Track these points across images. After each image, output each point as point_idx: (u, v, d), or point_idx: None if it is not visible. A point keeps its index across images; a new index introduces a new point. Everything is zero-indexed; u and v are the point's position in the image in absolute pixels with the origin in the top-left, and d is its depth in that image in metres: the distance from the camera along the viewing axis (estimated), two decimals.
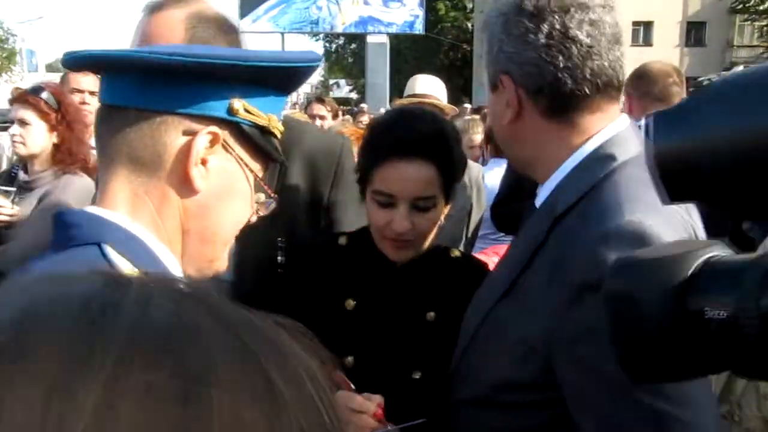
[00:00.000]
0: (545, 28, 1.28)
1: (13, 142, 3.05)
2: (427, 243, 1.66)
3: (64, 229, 0.96)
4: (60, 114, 3.07)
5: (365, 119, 6.28)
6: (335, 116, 7.48)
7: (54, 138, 3.06)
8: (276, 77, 1.04)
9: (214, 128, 1.00)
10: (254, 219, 1.13)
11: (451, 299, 1.66)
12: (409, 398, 1.57)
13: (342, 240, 1.74)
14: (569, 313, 1.15)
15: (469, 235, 3.83)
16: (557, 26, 1.28)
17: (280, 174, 1.94)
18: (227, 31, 1.87)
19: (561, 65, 1.27)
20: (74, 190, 2.96)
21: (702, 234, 1.35)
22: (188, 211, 1.02)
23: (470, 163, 3.91)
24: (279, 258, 1.89)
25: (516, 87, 1.30)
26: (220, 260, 1.10)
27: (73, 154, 3.07)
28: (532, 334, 1.22)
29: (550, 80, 1.29)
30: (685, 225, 1.25)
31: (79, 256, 0.91)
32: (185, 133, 0.99)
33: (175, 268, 1.03)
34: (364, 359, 1.64)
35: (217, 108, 0.99)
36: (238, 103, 1.00)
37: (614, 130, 1.32)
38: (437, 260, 1.71)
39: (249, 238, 1.82)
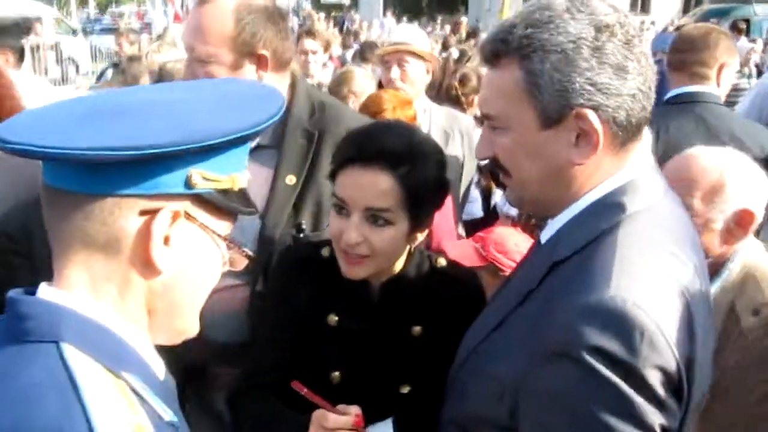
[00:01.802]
0: (637, 55, 1.18)
1: None
2: (389, 262, 1.59)
3: (19, 320, 0.90)
4: None
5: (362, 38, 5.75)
6: (326, 49, 7.22)
7: None
8: (233, 142, 0.95)
9: (174, 205, 0.92)
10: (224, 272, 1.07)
11: (438, 312, 1.62)
12: (397, 412, 1.56)
13: (325, 252, 1.68)
14: (537, 370, 1.14)
15: (462, 188, 3.76)
16: (645, 52, 1.19)
17: (311, 156, 1.92)
18: (275, 20, 1.89)
19: (646, 96, 1.20)
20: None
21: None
22: (154, 292, 0.96)
23: (457, 114, 3.80)
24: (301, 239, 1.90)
25: (601, 122, 1.17)
26: (191, 328, 1.05)
27: (7, 111, 2.83)
28: (505, 376, 1.21)
29: (638, 113, 1.20)
30: (688, 293, 1.16)
31: (35, 362, 0.85)
32: (142, 213, 0.91)
33: (143, 344, 0.99)
34: (351, 375, 1.62)
35: (172, 184, 0.91)
36: (196, 175, 0.92)
37: (630, 174, 1.24)
38: (422, 272, 1.66)
39: (275, 221, 1.88)
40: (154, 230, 0.91)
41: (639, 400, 1.05)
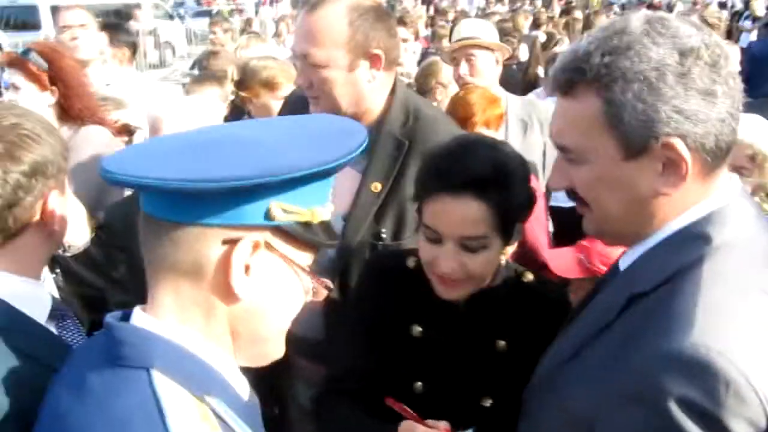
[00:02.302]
0: (725, 77, 1.10)
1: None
2: (483, 282, 1.56)
3: (115, 345, 0.96)
4: (52, 72, 2.86)
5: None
6: (417, 37, 7.15)
7: (51, 97, 2.86)
8: (313, 176, 0.96)
9: (255, 235, 0.95)
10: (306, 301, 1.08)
11: (524, 328, 1.59)
12: (479, 425, 1.54)
13: (411, 262, 1.67)
14: (614, 412, 1.09)
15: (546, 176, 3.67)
16: (732, 72, 1.11)
17: (399, 165, 1.92)
18: (384, 18, 1.93)
19: (735, 118, 1.12)
20: (94, 144, 2.77)
21: None
22: (236, 317, 0.99)
23: (535, 101, 3.69)
24: (379, 247, 1.91)
25: (690, 151, 1.10)
26: (275, 352, 1.07)
27: (77, 110, 2.89)
28: (578, 410, 1.17)
29: (728, 137, 1.12)
30: None
31: (127, 390, 0.90)
32: (224, 242, 0.94)
33: (227, 366, 1.02)
34: (433, 386, 1.61)
35: (253, 215, 0.94)
36: (276, 208, 0.94)
37: (717, 202, 1.16)
38: (508, 287, 1.62)
39: (356, 226, 1.91)
40: (234, 259, 0.94)
41: None
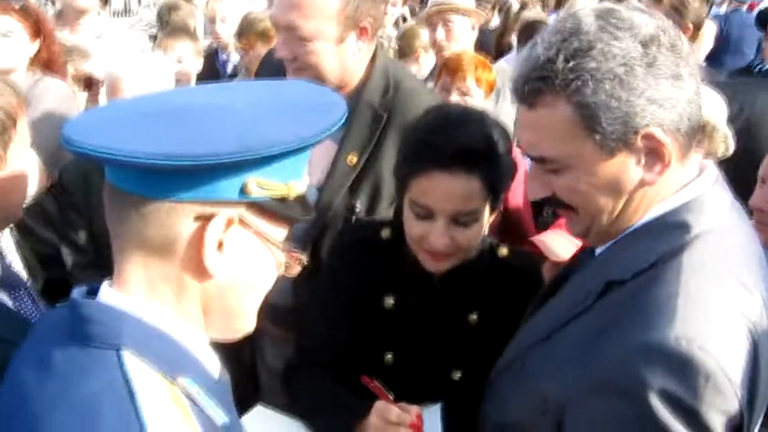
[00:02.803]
0: (685, 57, 1.09)
1: None
2: (469, 253, 1.55)
3: (81, 323, 0.91)
4: (37, 21, 2.79)
5: None
6: (405, 2, 6.99)
7: (35, 46, 2.77)
8: (291, 151, 0.91)
9: (229, 211, 0.90)
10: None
11: (497, 301, 1.59)
12: (447, 398, 1.55)
13: (385, 233, 1.64)
14: (589, 399, 1.10)
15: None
16: (689, 51, 1.10)
17: (376, 138, 1.87)
18: None
19: (699, 95, 1.12)
20: (53, 97, 2.69)
21: None
22: (208, 294, 0.95)
23: (505, 66, 3.66)
24: (352, 220, 1.87)
25: (668, 136, 1.09)
26: (247, 326, 1.04)
27: (46, 59, 2.80)
28: (550, 394, 1.17)
29: (697, 115, 1.11)
30: (755, 328, 1.08)
31: (96, 371, 0.86)
32: (197, 218, 0.89)
33: (198, 343, 0.98)
34: (404, 357, 1.61)
35: (228, 191, 0.89)
36: (252, 183, 0.89)
37: (695, 190, 1.16)
38: (483, 260, 1.60)
39: (330, 197, 1.86)
40: (208, 236, 0.90)
41: None
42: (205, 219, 0.89)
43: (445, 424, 1.48)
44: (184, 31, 3.72)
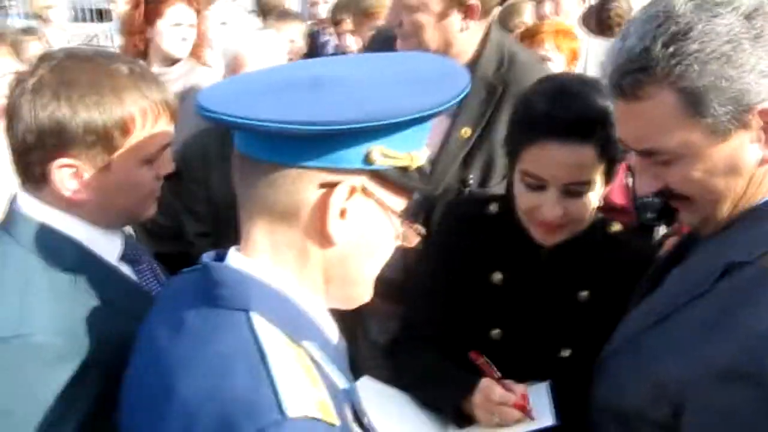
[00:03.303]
0: None
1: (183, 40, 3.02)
2: (583, 226, 1.52)
3: (212, 286, 0.96)
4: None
5: None
6: None
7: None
8: (414, 121, 0.92)
9: (352, 179, 0.93)
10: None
11: (607, 279, 1.54)
12: (555, 376, 1.53)
13: (493, 207, 1.63)
14: (713, 385, 1.05)
15: None
16: None
17: (491, 111, 1.89)
18: None
19: None
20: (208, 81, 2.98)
21: None
22: (329, 261, 0.98)
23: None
24: (465, 193, 1.90)
25: None
26: (364, 295, 1.07)
27: (201, 49, 3.09)
28: (668, 379, 1.13)
29: None
30: None
31: (228, 330, 0.91)
32: (321, 185, 0.92)
33: (319, 310, 1.02)
34: (511, 334, 1.60)
35: (352, 159, 0.91)
36: (376, 152, 0.91)
37: None
38: (593, 236, 1.57)
39: (443, 171, 1.89)
40: (332, 203, 0.92)
41: None
42: (329, 186, 0.92)
43: (554, 403, 1.46)
44: (292, 14, 3.88)
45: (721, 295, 1.10)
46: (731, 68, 1.01)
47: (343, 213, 0.94)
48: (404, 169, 0.96)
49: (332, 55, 4.38)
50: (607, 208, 2.37)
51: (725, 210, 1.14)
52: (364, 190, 0.94)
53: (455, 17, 1.84)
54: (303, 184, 0.92)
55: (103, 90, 1.20)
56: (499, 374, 1.48)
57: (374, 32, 2.54)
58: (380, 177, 0.95)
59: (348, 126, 0.86)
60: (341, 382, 0.97)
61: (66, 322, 1.14)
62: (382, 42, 2.18)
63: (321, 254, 0.97)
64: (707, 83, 1.02)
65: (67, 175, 1.21)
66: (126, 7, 3.22)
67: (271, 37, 2.59)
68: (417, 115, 0.90)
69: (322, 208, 0.93)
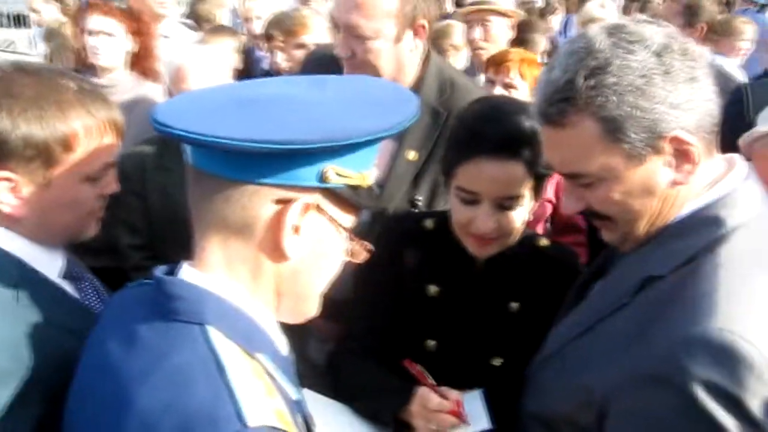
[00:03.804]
0: (697, 59, 1.15)
1: (94, 53, 2.99)
2: (514, 239, 1.61)
3: (167, 299, 0.98)
4: (135, 22, 3.03)
5: None
6: None
7: (131, 44, 3.03)
8: (369, 142, 0.98)
9: (307, 197, 0.97)
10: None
11: (537, 291, 1.65)
12: (488, 385, 1.61)
13: (428, 223, 1.71)
14: (633, 391, 1.14)
15: None
16: (700, 53, 1.16)
17: (436, 136, 1.96)
18: None
19: (716, 92, 1.17)
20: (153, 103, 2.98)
21: None
22: (282, 276, 1.02)
23: None
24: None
25: (694, 137, 1.15)
26: (313, 310, 1.11)
27: (145, 67, 3.05)
28: (593, 386, 1.21)
29: (716, 112, 1.17)
30: None
31: (185, 344, 0.93)
32: (277, 202, 0.96)
33: (271, 323, 1.05)
34: (446, 344, 1.67)
35: (308, 177, 0.96)
36: (330, 171, 0.96)
37: (727, 186, 1.21)
38: (524, 250, 1.67)
39: (392, 193, 1.96)
40: (287, 219, 0.96)
41: None
42: (284, 203, 0.96)
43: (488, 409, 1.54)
44: (226, 29, 3.86)
45: (640, 307, 1.20)
46: (644, 100, 1.12)
47: (296, 229, 0.98)
48: (354, 188, 1.01)
49: (267, 71, 4.39)
50: (569, 226, 2.54)
51: (642, 228, 1.24)
52: (318, 208, 0.99)
53: (407, 39, 1.92)
54: (259, 200, 0.95)
55: (47, 104, 1.20)
56: (433, 381, 1.55)
57: (308, 53, 2.57)
58: (333, 195, 0.99)
59: (309, 146, 0.91)
60: (293, 392, 1.01)
61: (7, 340, 1.12)
62: (317, 62, 2.23)
63: (274, 269, 1.01)
64: (624, 113, 1.13)
65: (5, 189, 1.20)
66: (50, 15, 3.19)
67: (215, 51, 2.60)
68: (372, 137, 0.96)
69: (276, 224, 0.96)
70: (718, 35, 4.47)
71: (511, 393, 1.51)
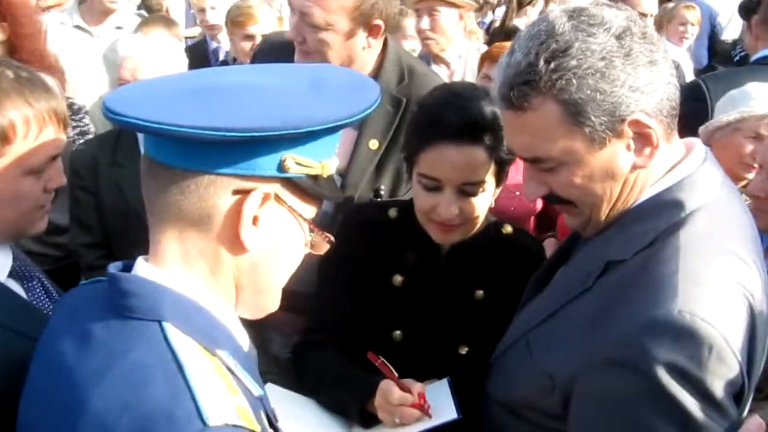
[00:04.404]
0: (656, 43, 1.15)
1: None
2: (477, 225, 1.61)
3: (121, 296, 0.94)
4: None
5: None
6: None
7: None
8: (329, 130, 0.95)
9: (266, 187, 0.94)
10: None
11: (502, 278, 1.64)
12: (454, 373, 1.60)
13: (392, 212, 1.69)
14: (595, 374, 1.15)
15: None
16: (658, 36, 1.17)
17: (396, 123, 1.94)
18: None
19: (674, 76, 1.18)
20: None
21: None
22: (241, 269, 0.99)
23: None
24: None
25: (653, 120, 1.15)
26: (273, 304, 1.08)
27: (27, 52, 2.68)
28: (556, 371, 1.22)
29: (675, 95, 1.18)
30: (751, 296, 1.14)
31: (142, 343, 0.89)
32: (235, 192, 0.93)
33: (231, 318, 1.02)
34: (412, 334, 1.66)
35: (267, 166, 0.93)
36: (290, 160, 0.93)
37: (686, 169, 1.22)
38: (488, 238, 1.66)
39: (354, 182, 1.93)
40: (245, 210, 0.93)
41: (701, 414, 1.06)
42: (243, 193, 0.93)
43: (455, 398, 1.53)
44: (158, 19, 3.81)
45: (602, 292, 1.20)
46: (605, 83, 1.12)
47: (255, 220, 0.95)
48: (314, 178, 0.98)
49: (223, 63, 4.31)
50: (551, 217, 2.53)
51: (603, 212, 1.24)
52: (277, 198, 0.96)
53: (360, 36, 1.90)
54: (216, 191, 0.92)
55: None
56: (396, 374, 1.53)
57: (260, 42, 2.54)
58: (292, 185, 0.97)
59: (267, 133, 0.88)
60: (255, 389, 0.98)
61: None
62: (269, 51, 2.21)
63: (233, 261, 0.98)
64: (585, 96, 1.12)
65: None
66: None
67: (169, 41, 2.54)
68: (332, 125, 0.93)
69: (235, 214, 0.93)
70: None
71: (478, 381, 1.51)
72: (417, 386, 1.50)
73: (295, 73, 1.06)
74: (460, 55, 3.47)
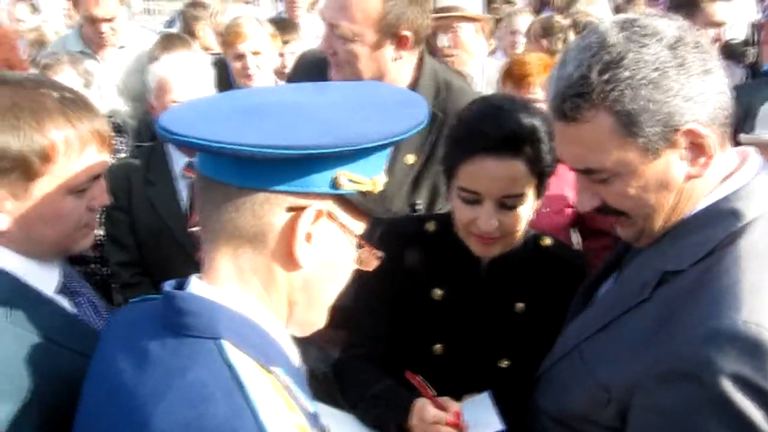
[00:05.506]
0: (710, 52, 1.14)
1: None
2: (517, 238, 1.59)
3: (177, 314, 0.94)
4: None
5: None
6: None
7: None
8: (380, 147, 0.95)
9: (319, 204, 0.94)
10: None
11: (542, 291, 1.63)
12: (495, 386, 1.58)
13: (430, 226, 1.69)
14: (656, 387, 1.13)
15: None
16: (711, 44, 1.15)
17: (433, 138, 1.94)
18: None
19: (727, 84, 1.16)
20: None
21: None
22: (294, 285, 0.99)
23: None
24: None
25: (708, 129, 1.14)
26: (322, 320, 1.07)
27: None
28: (614, 384, 1.20)
29: (728, 104, 1.16)
30: None
31: (199, 361, 0.89)
32: (289, 209, 0.93)
33: (283, 336, 1.02)
34: (453, 347, 1.65)
35: (320, 183, 0.93)
36: (343, 177, 0.93)
37: (742, 179, 1.20)
38: (528, 251, 1.65)
39: (390, 197, 1.93)
40: (299, 227, 0.93)
41: (767, 427, 1.04)
42: (296, 210, 0.93)
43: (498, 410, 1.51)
44: (178, 40, 3.63)
45: (659, 303, 1.18)
46: (659, 93, 1.11)
47: (308, 237, 0.95)
48: (363, 194, 0.98)
49: None
50: (594, 231, 2.50)
51: (658, 223, 1.22)
52: (329, 214, 0.96)
53: (388, 48, 1.91)
54: (271, 208, 0.93)
55: (23, 115, 1.15)
56: (434, 392, 1.51)
57: (298, 58, 2.55)
58: (343, 201, 0.97)
59: (323, 150, 0.88)
60: (309, 405, 0.97)
61: (1, 359, 1.08)
62: (309, 67, 2.22)
63: (286, 278, 0.98)
64: (639, 106, 1.11)
65: None
66: None
67: (197, 60, 2.56)
68: (386, 141, 0.93)
69: (289, 231, 0.93)
70: None
71: (521, 393, 1.50)
72: (454, 404, 1.49)
73: (343, 90, 1.06)
74: (483, 66, 3.48)
